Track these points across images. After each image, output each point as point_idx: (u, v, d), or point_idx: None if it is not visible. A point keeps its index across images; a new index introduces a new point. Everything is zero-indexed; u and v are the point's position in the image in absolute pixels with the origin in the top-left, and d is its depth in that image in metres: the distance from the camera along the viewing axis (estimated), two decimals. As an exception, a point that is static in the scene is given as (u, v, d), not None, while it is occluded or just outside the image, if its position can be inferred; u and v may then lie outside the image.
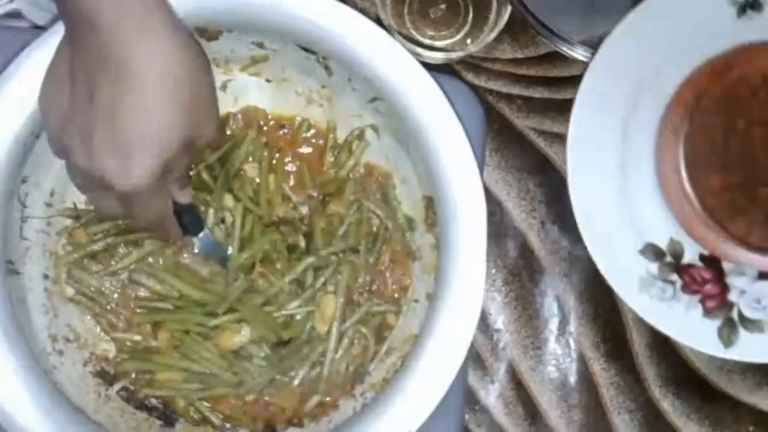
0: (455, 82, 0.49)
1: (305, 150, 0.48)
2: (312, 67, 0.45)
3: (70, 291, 0.46)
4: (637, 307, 0.48)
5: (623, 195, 0.48)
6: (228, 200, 0.46)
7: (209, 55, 0.45)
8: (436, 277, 0.42)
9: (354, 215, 0.46)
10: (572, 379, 0.59)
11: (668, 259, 0.49)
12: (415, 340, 0.42)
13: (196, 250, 0.46)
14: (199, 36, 0.43)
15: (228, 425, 0.44)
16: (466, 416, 0.54)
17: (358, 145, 0.47)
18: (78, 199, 0.46)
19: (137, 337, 0.46)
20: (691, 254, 0.49)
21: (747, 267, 0.49)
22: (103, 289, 0.46)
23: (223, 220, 0.47)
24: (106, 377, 0.45)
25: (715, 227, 0.47)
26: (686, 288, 0.49)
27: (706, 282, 0.49)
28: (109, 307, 0.46)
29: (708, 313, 0.48)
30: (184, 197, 0.42)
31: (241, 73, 0.47)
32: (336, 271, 0.45)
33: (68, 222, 0.46)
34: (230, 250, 0.45)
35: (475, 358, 0.57)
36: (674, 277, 0.49)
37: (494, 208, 0.54)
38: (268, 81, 0.48)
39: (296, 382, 0.45)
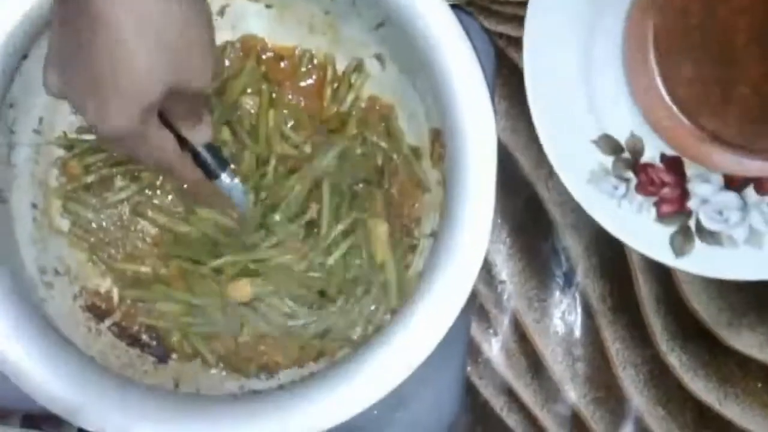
0: (468, 19, 0.46)
1: (307, 83, 0.46)
2: (314, -10, 0.43)
3: (64, 224, 0.45)
4: (583, 199, 0.45)
5: (584, 78, 0.45)
6: (225, 133, 0.44)
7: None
8: (442, 213, 0.40)
9: (359, 149, 0.44)
10: (577, 332, 0.58)
11: (625, 154, 0.46)
12: (419, 277, 0.40)
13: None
14: (195, -46, 0.41)
15: (221, 364, 0.43)
16: (469, 368, 0.54)
17: (357, 78, 0.45)
18: (69, 128, 0.44)
19: (144, 268, 0.45)
20: (651, 152, 0.46)
21: (712, 172, 0.46)
22: (102, 222, 0.45)
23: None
24: (97, 312, 0.44)
25: (682, 120, 0.44)
26: (641, 188, 0.46)
27: (665, 185, 0.46)
28: (107, 240, 0.45)
29: (662, 217, 0.46)
30: (198, 136, 0.40)
31: (241, -3, 0.45)
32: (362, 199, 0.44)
33: (61, 152, 0.45)
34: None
35: (478, 310, 0.56)
36: (629, 174, 0.46)
37: (502, 156, 0.53)
38: (268, 6, 0.46)
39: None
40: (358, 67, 0.46)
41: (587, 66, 0.45)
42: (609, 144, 0.46)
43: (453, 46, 0.38)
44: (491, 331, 0.57)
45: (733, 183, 0.46)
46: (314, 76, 0.46)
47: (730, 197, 0.45)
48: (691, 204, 0.45)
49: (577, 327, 0.58)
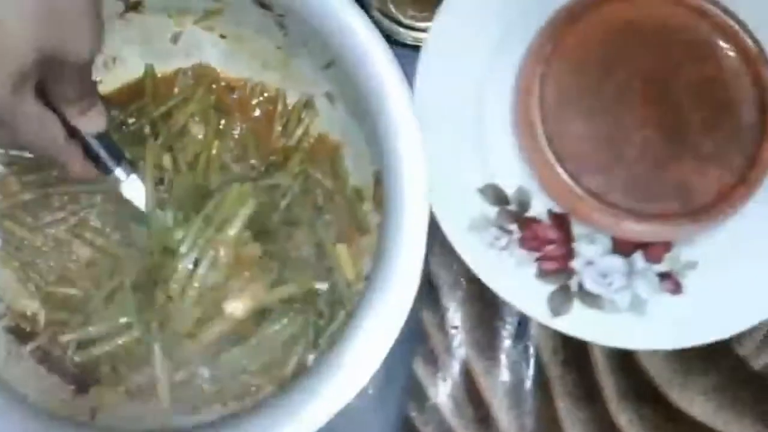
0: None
1: (256, 115, 0.46)
2: (268, 25, 0.43)
3: (-5, 243, 0.44)
4: (461, 248, 0.43)
5: (475, 128, 0.44)
6: (166, 160, 0.44)
7: (161, 4, 0.43)
8: (375, 257, 0.39)
9: (299, 186, 0.44)
10: (527, 384, 0.57)
11: (511, 207, 0.44)
12: (347, 321, 0.40)
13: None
14: (150, -19, 0.41)
15: (143, 393, 0.42)
16: (414, 414, 0.53)
17: (306, 114, 0.45)
18: (9, 144, 0.44)
19: (74, 291, 0.44)
20: (539, 208, 0.44)
21: (600, 234, 0.44)
22: (35, 241, 0.44)
23: (162, 180, 0.44)
24: (20, 334, 0.43)
25: (566, 179, 0.42)
26: (524, 242, 0.44)
27: (550, 242, 0.44)
28: (39, 260, 0.44)
29: (543, 275, 0.44)
30: (89, 124, 0.38)
31: (195, 26, 0.45)
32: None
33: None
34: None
35: (428, 355, 0.55)
36: (513, 227, 0.44)
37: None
38: (222, 37, 0.46)
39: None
40: (308, 103, 0.46)
41: (479, 116, 0.44)
42: (495, 194, 0.45)
43: (394, 91, 0.38)
44: (440, 376, 0.56)
45: (621, 247, 0.45)
46: (265, 108, 0.46)
47: (617, 261, 0.44)
48: (575, 264, 0.44)
49: (528, 379, 0.57)
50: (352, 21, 0.38)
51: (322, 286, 0.43)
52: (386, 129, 0.38)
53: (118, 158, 0.40)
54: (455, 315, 0.56)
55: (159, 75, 0.46)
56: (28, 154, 0.44)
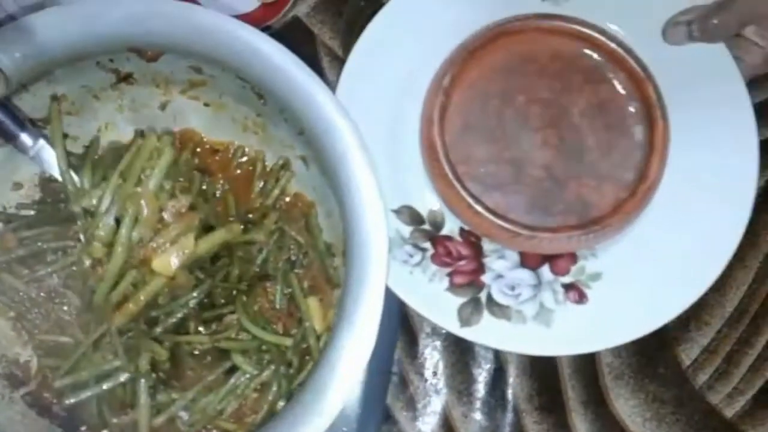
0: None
1: (236, 175, 0.49)
2: (247, 96, 0.46)
3: (-8, 295, 0.47)
4: None
5: (390, 153, 0.47)
6: None
7: (150, 76, 0.47)
8: (337, 309, 0.42)
9: (274, 243, 0.47)
10: (504, 430, 0.58)
11: (425, 226, 0.47)
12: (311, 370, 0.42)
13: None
14: (139, 57, 0.45)
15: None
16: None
17: (283, 175, 0.48)
18: (8, 202, 0.47)
19: (64, 338, 0.47)
20: (451, 226, 0.48)
21: (507, 249, 0.47)
22: (30, 293, 0.47)
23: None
24: (13, 380, 0.45)
25: (469, 198, 0.45)
26: (436, 258, 0.47)
27: (462, 258, 0.47)
28: (33, 310, 0.47)
29: (453, 288, 0.47)
30: None
31: (181, 95, 0.49)
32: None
33: (-1, 225, 0.48)
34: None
35: (408, 401, 0.57)
36: (426, 245, 0.47)
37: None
38: (206, 105, 0.49)
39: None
40: (285, 165, 0.49)
41: (393, 142, 0.47)
42: (410, 215, 0.48)
43: (356, 157, 0.41)
44: (419, 421, 0.58)
45: (529, 261, 0.47)
46: (246, 168, 0.50)
47: (525, 274, 0.47)
48: (486, 278, 0.47)
49: (505, 425, 0.58)
50: (317, 95, 0.42)
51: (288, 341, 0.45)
52: (348, 193, 0.41)
53: (22, 124, 0.40)
54: (434, 361, 0.58)
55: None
56: (25, 212, 0.48)
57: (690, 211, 0.47)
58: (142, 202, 0.42)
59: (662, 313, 0.45)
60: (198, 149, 0.49)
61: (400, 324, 0.58)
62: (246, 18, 0.53)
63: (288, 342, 0.45)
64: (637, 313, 0.46)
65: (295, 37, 0.58)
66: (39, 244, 0.47)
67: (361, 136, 0.41)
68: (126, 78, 0.47)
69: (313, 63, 0.56)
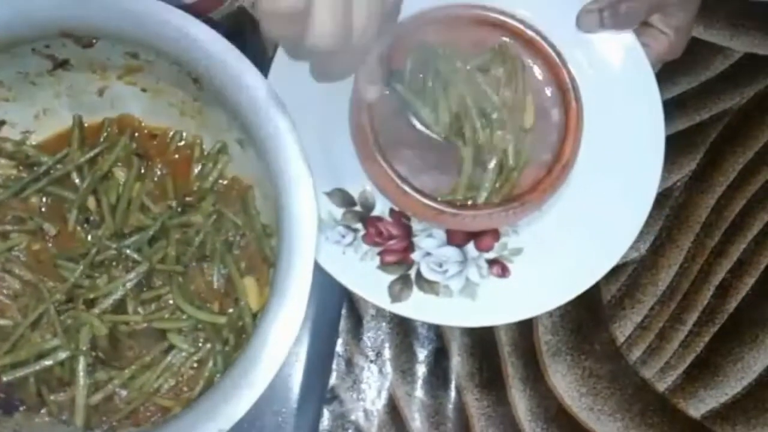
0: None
1: (174, 159, 0.50)
2: (183, 80, 0.47)
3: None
4: None
5: (321, 136, 0.48)
6: (90, 202, 0.48)
7: (86, 62, 0.47)
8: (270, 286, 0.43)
9: (212, 225, 0.48)
10: (446, 407, 0.60)
11: (357, 208, 0.49)
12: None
13: None
14: (74, 42, 0.45)
15: (64, 415, 0.45)
16: (339, 432, 0.55)
17: (221, 159, 0.49)
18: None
19: (3, 321, 0.47)
20: (382, 207, 0.49)
21: (437, 228, 0.49)
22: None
23: (87, 220, 0.48)
24: (-51, 362, 0.46)
25: (397, 179, 0.46)
26: (368, 238, 0.49)
27: (392, 237, 0.49)
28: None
29: (384, 266, 0.48)
30: None
31: (118, 81, 0.49)
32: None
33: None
34: None
35: (353, 381, 0.59)
36: (358, 225, 0.49)
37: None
38: (143, 90, 0.50)
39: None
40: (222, 148, 0.50)
41: (325, 127, 0.49)
42: (342, 197, 0.49)
43: (285, 140, 0.42)
44: (363, 399, 0.59)
45: (455, 239, 0.49)
46: (183, 153, 0.51)
47: (452, 251, 0.49)
48: (415, 256, 0.49)
49: (447, 402, 0.60)
50: (248, 79, 0.43)
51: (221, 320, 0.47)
52: (280, 170, 0.43)
53: None
54: (379, 341, 0.60)
55: (86, 125, 0.50)
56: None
57: (602, 189, 0.49)
58: None
59: (577, 284, 0.47)
60: (136, 134, 0.50)
61: (347, 307, 0.59)
62: (192, 7, 0.53)
63: (222, 320, 0.46)
64: (555, 285, 0.48)
65: (242, 27, 0.59)
66: (-22, 228, 0.48)
67: (290, 119, 0.42)
68: (63, 64, 0.47)
69: (259, 53, 0.57)
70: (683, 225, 0.64)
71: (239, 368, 0.41)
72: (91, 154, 0.49)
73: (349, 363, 0.59)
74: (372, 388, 0.59)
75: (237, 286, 0.47)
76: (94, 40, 0.45)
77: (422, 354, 0.60)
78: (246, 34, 0.57)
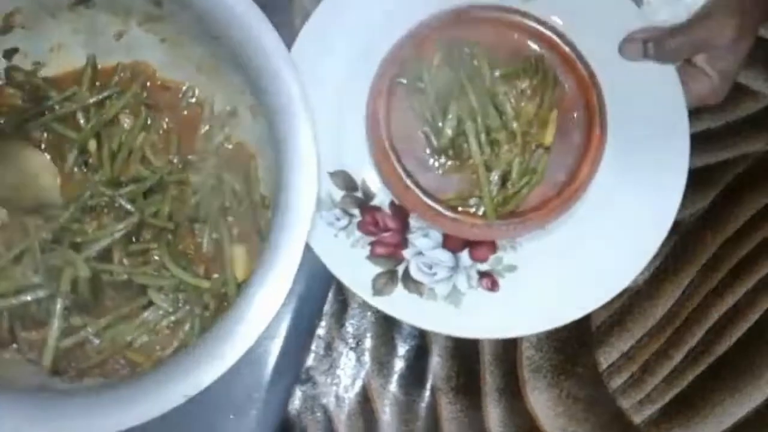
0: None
1: (183, 115, 0.49)
2: (204, 37, 0.46)
3: None
4: None
5: (336, 114, 0.47)
6: (92, 145, 0.47)
7: (109, 3, 0.46)
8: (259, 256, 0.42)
9: (210, 187, 0.47)
10: (419, 405, 0.59)
11: (358, 193, 0.48)
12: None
13: None
14: (101, -21, 0.44)
15: (33, 354, 0.45)
16: (310, 417, 0.56)
17: (229, 121, 0.48)
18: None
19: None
20: (382, 198, 0.48)
21: (433, 229, 0.48)
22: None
23: (86, 163, 0.48)
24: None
25: (402, 173, 0.46)
26: (362, 226, 0.48)
27: (387, 230, 0.48)
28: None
29: (373, 257, 0.47)
30: None
31: (138, 27, 0.48)
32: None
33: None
34: None
35: (330, 366, 0.58)
36: (355, 211, 0.48)
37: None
38: (162, 41, 0.49)
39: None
40: (233, 112, 0.49)
41: (340, 106, 0.48)
42: (344, 179, 0.48)
43: (296, 111, 0.41)
44: (337, 386, 0.58)
45: (451, 244, 0.48)
46: (194, 110, 0.50)
47: (445, 256, 0.48)
48: (406, 253, 0.48)
49: (420, 400, 0.59)
50: (269, 45, 0.42)
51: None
52: (286, 141, 0.42)
53: None
54: (362, 331, 0.59)
55: (99, 67, 0.49)
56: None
57: (612, 220, 0.48)
58: None
59: (565, 314, 0.46)
60: (148, 83, 0.49)
61: (334, 291, 0.58)
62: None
63: (206, 284, 0.45)
64: (542, 310, 0.47)
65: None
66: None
67: (305, 92, 0.41)
68: (85, 1, 0.47)
69: (285, 18, 0.56)
70: (686, 261, 0.63)
71: (214, 336, 0.40)
72: (101, 96, 0.48)
73: (329, 347, 0.59)
74: (347, 375, 0.59)
75: (226, 252, 0.46)
76: (119, -18, 0.45)
77: (403, 349, 0.60)
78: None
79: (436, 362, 0.59)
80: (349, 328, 0.59)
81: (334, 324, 0.59)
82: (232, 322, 0.40)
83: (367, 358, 0.59)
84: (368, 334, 0.59)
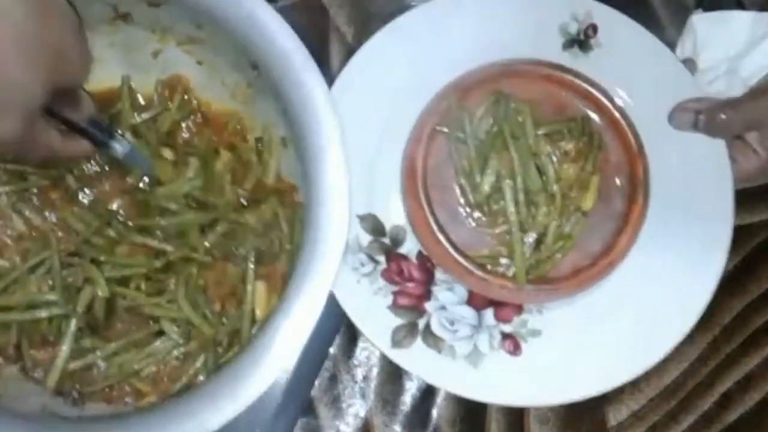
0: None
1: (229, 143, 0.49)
2: (243, 64, 0.45)
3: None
4: None
5: (373, 157, 0.46)
6: (167, 153, 0.47)
7: (149, 20, 0.45)
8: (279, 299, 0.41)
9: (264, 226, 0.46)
10: (423, 447, 0.58)
11: (385, 240, 0.47)
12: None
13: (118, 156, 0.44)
14: (142, -1, 0.44)
15: (38, 372, 0.44)
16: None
17: (275, 151, 0.47)
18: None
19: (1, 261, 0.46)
20: (410, 246, 0.47)
21: (458, 284, 0.47)
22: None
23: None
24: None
25: (434, 225, 0.45)
26: (387, 274, 0.46)
27: (412, 280, 0.46)
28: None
29: (395, 307, 0.46)
30: (81, 114, 0.42)
31: (176, 47, 0.48)
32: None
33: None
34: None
35: (333, 398, 0.57)
36: (381, 258, 0.47)
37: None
38: (199, 63, 0.48)
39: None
40: (284, 141, 0.47)
41: (376, 148, 0.47)
42: (373, 224, 0.47)
43: (332, 155, 0.40)
44: (340, 419, 0.57)
45: (476, 301, 0.47)
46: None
47: (468, 312, 0.47)
48: (429, 306, 0.46)
49: (425, 444, 0.58)
50: (310, 83, 0.41)
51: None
52: (319, 185, 0.41)
53: (111, 133, 0.43)
54: (370, 366, 0.58)
55: (133, 85, 0.49)
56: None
57: (644, 295, 0.46)
58: None
59: (587, 387, 0.45)
60: (185, 96, 0.49)
61: (343, 322, 0.57)
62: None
63: (209, 331, 0.44)
64: (564, 381, 0.45)
65: (309, 15, 0.57)
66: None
67: (343, 133, 0.40)
68: (124, 16, 0.46)
69: (322, 45, 0.55)
70: (704, 324, 0.62)
71: (228, 377, 0.39)
72: (149, 114, 0.48)
73: (333, 379, 0.58)
74: (350, 409, 0.58)
75: (248, 289, 0.45)
76: (161, 1, 0.44)
77: (409, 388, 0.59)
78: (312, 24, 0.55)
79: (442, 404, 0.58)
80: (357, 361, 0.58)
81: (341, 356, 0.58)
82: (247, 364, 0.39)
83: (371, 393, 0.58)
84: (375, 370, 0.58)
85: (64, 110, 0.41)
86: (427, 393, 0.58)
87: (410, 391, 0.58)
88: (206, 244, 0.46)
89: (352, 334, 0.58)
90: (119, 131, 0.45)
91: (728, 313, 0.62)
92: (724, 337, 0.62)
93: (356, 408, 0.58)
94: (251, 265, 0.46)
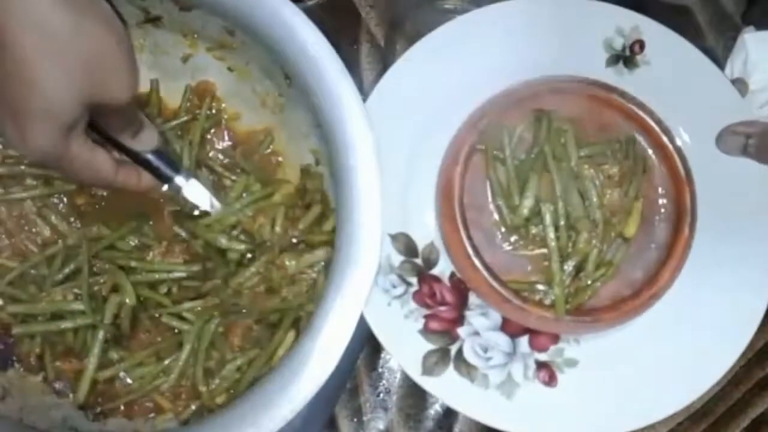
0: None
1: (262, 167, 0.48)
2: (275, 72, 0.44)
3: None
4: None
5: (407, 176, 0.45)
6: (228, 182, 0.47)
7: (179, 24, 0.44)
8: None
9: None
10: (444, 464, 0.57)
11: (418, 260, 0.45)
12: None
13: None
14: (172, 1, 0.42)
15: (60, 384, 0.43)
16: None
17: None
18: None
19: (24, 266, 0.45)
20: (443, 268, 0.45)
21: (491, 308, 0.45)
22: (1, 214, 0.45)
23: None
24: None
25: (470, 248, 0.43)
26: (419, 297, 0.45)
27: (445, 303, 0.44)
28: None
29: (426, 332, 0.44)
30: (143, 144, 0.40)
31: (206, 53, 0.46)
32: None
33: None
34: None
35: (355, 411, 0.56)
36: (413, 279, 0.45)
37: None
38: (230, 69, 0.47)
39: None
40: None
41: (411, 166, 0.45)
42: (405, 244, 0.45)
43: (365, 175, 0.39)
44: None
45: (510, 328, 0.45)
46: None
47: (502, 339, 0.45)
48: (462, 331, 0.45)
49: (446, 461, 0.57)
50: (346, 99, 0.39)
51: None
52: (350, 205, 0.39)
53: (176, 167, 0.42)
54: (393, 380, 0.57)
55: (162, 94, 0.48)
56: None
57: (686, 327, 0.44)
58: None
59: (625, 422, 0.43)
60: (214, 104, 0.47)
61: (367, 337, 0.56)
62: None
63: (219, 401, 0.43)
64: (600, 414, 0.43)
65: (340, 16, 0.55)
66: (21, 167, 0.45)
67: (378, 152, 0.39)
68: (154, 20, 0.44)
69: (353, 46, 0.54)
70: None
71: (252, 403, 0.38)
72: (178, 121, 0.46)
73: (355, 392, 0.57)
74: (371, 423, 0.57)
75: (275, 340, 0.44)
76: (192, 6, 0.42)
77: (432, 403, 0.57)
78: (343, 25, 0.53)
79: (464, 421, 0.57)
80: (380, 374, 0.57)
81: (364, 369, 0.57)
82: (269, 391, 0.38)
83: (393, 407, 0.57)
84: (398, 383, 0.57)
85: (124, 139, 0.39)
86: (451, 409, 0.57)
87: (433, 407, 0.57)
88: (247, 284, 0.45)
89: (374, 346, 0.56)
90: (186, 167, 0.43)
91: (762, 336, 0.61)
92: (757, 360, 0.60)
93: (377, 422, 0.57)
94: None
